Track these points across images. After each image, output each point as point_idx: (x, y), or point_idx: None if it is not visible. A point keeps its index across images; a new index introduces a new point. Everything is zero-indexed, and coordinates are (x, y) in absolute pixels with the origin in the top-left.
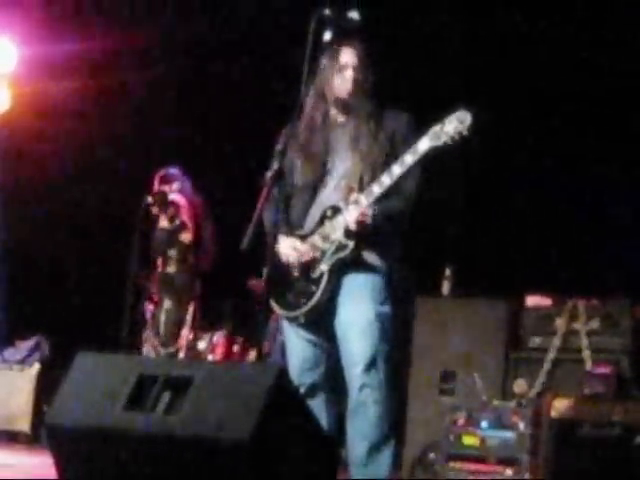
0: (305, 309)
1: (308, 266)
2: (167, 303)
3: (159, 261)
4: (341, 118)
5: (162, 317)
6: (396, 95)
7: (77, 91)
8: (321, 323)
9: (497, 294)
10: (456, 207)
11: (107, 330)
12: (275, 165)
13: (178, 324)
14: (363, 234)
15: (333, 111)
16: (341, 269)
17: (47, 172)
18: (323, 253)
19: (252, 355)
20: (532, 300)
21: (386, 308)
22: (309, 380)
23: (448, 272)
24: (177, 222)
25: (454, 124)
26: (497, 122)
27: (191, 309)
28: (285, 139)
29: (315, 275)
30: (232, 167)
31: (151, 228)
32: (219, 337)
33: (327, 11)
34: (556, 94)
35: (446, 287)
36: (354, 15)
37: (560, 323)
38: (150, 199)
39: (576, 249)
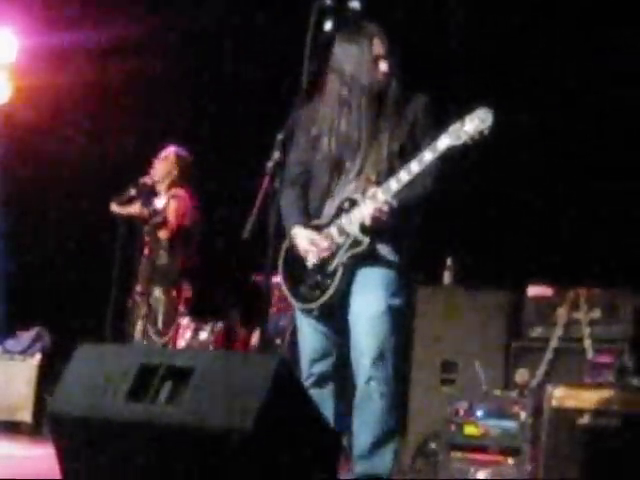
0: (319, 302)
1: (323, 259)
2: (157, 292)
3: (146, 250)
4: (374, 110)
5: (156, 307)
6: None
7: (78, 82)
8: (334, 316)
9: (498, 284)
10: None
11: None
12: (276, 155)
13: (172, 314)
14: (379, 230)
15: (360, 99)
16: (356, 263)
17: (47, 163)
18: (338, 247)
19: (255, 338)
20: (533, 290)
21: (398, 301)
22: (319, 370)
23: (449, 262)
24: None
25: (475, 123)
26: (499, 112)
27: (184, 298)
28: (289, 129)
29: (330, 269)
30: (233, 157)
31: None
32: (220, 327)
33: (328, 1)
34: (558, 85)
35: (447, 277)
36: (355, 5)
37: (561, 313)
38: (133, 191)
39: (577, 238)
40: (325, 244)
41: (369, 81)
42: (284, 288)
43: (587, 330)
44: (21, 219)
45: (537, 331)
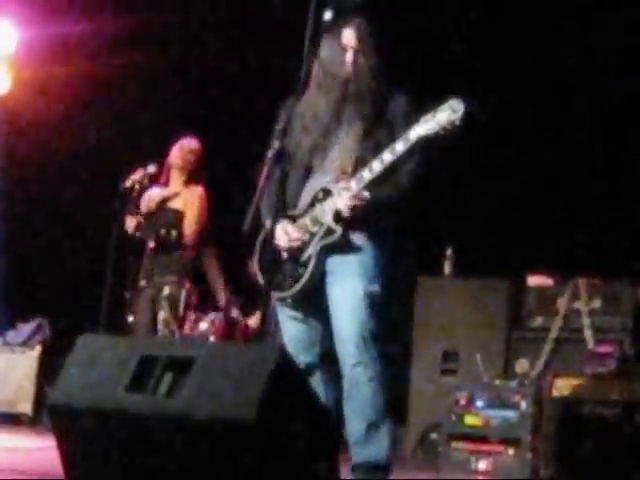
0: (292, 291)
1: (297, 249)
2: (170, 284)
3: (150, 242)
4: (341, 99)
5: (173, 299)
6: (400, 75)
7: (77, 73)
8: (311, 304)
9: (499, 274)
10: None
11: (109, 312)
12: (276, 144)
13: (187, 305)
14: (352, 219)
15: (334, 91)
16: (329, 252)
17: (47, 153)
18: (312, 236)
19: (254, 320)
20: (534, 280)
21: (375, 287)
22: (304, 360)
23: (449, 252)
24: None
25: (446, 113)
26: (496, 100)
27: (185, 289)
28: (286, 117)
29: (303, 258)
30: (233, 147)
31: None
32: (220, 318)
33: None
34: (553, 70)
35: (447, 267)
36: None
37: (562, 303)
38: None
39: (577, 228)
40: (297, 234)
41: (338, 70)
42: (259, 278)
43: (587, 320)
44: (21, 210)
45: (537, 321)
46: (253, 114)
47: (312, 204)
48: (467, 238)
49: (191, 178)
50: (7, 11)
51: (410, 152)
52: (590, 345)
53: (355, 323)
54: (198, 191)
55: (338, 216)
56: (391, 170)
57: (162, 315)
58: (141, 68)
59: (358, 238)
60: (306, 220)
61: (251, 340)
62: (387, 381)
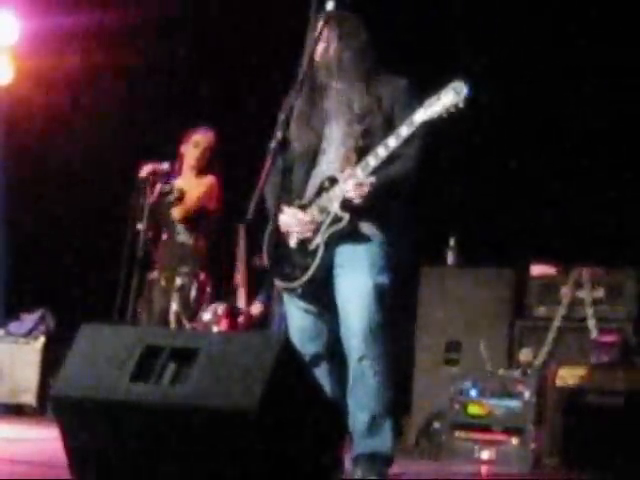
0: (301, 281)
1: (305, 238)
2: (184, 275)
3: (164, 235)
4: (334, 85)
5: (185, 290)
6: (398, 60)
7: (80, 64)
8: (319, 294)
9: (502, 263)
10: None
11: (112, 302)
12: (279, 135)
13: (201, 297)
14: (359, 207)
15: (325, 79)
16: (337, 241)
17: (49, 145)
18: (319, 225)
19: (256, 308)
20: (537, 269)
21: (384, 278)
22: (311, 350)
23: (452, 242)
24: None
25: (450, 96)
26: (499, 90)
27: (198, 281)
28: (287, 108)
29: (311, 247)
30: (236, 138)
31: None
32: (223, 308)
33: None
34: (558, 59)
35: (450, 257)
36: None
37: (565, 292)
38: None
39: (580, 217)
40: (307, 221)
41: (321, 61)
42: (268, 268)
43: (591, 309)
44: (24, 201)
45: (541, 310)
46: (256, 105)
47: (318, 193)
48: (470, 228)
49: (202, 171)
50: (10, 2)
51: (412, 136)
52: (593, 334)
53: (363, 316)
54: (207, 179)
55: (345, 203)
56: (395, 155)
57: (173, 307)
58: (146, 59)
59: (366, 226)
60: (313, 209)
61: (254, 329)
62: (392, 374)
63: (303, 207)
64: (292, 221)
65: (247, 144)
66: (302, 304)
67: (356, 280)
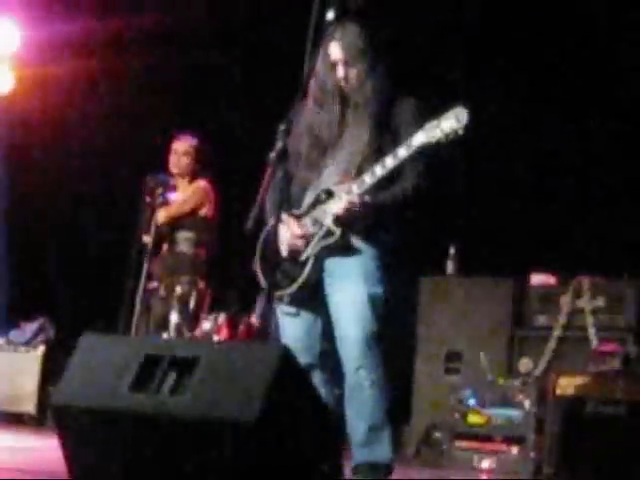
0: (288, 291)
1: (296, 248)
2: (183, 284)
3: (165, 245)
4: (341, 111)
5: (184, 299)
6: (403, 75)
7: (81, 72)
8: (310, 304)
9: (502, 273)
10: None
11: (113, 312)
12: (279, 145)
13: (201, 306)
14: (351, 223)
15: (332, 106)
16: (328, 254)
17: (51, 152)
18: (311, 237)
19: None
20: (537, 278)
21: (378, 289)
22: (304, 360)
23: (452, 251)
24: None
25: (451, 121)
26: (500, 100)
27: (197, 290)
28: (290, 119)
29: (302, 258)
30: (237, 147)
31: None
32: (223, 318)
33: None
34: (559, 66)
35: (450, 266)
36: None
37: (565, 301)
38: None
39: (580, 227)
40: (301, 231)
41: (332, 84)
42: (258, 275)
43: (590, 319)
44: (23, 210)
45: (540, 320)
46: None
47: (314, 205)
48: (470, 237)
49: (194, 177)
50: (10, 10)
51: (413, 159)
52: (593, 344)
53: (358, 327)
54: (197, 183)
55: (337, 219)
56: (393, 176)
57: (173, 316)
58: (146, 66)
59: (358, 241)
60: (306, 220)
61: (254, 338)
62: (390, 383)
63: (298, 217)
64: (284, 230)
65: (247, 152)
66: (292, 312)
67: (350, 291)
